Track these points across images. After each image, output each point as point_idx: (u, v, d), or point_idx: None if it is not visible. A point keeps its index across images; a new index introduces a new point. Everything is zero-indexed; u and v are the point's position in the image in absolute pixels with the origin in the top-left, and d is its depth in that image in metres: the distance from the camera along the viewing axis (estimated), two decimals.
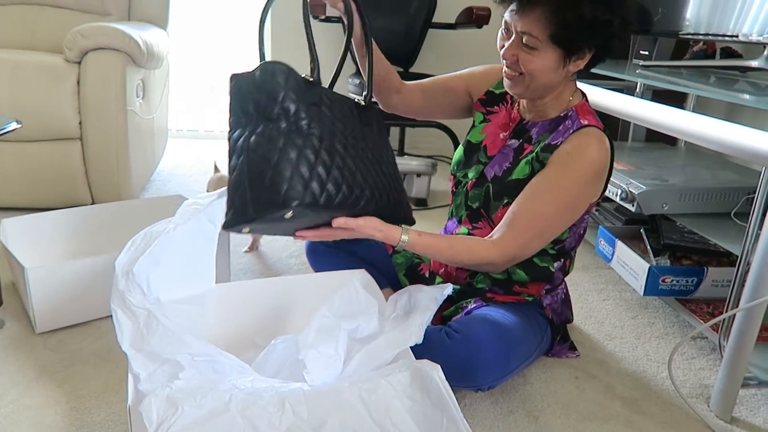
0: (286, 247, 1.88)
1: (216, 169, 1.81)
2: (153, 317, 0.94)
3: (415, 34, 2.95)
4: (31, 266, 1.26)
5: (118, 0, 2.42)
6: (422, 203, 2.38)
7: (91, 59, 1.89)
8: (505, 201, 1.15)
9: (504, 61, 1.11)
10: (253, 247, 1.85)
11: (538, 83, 1.08)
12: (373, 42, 1.12)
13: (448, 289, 1.11)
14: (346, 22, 1.07)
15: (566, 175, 1.08)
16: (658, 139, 2.23)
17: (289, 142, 0.90)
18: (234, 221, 0.91)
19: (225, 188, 0.98)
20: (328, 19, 2.80)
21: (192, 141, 3.22)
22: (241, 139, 0.92)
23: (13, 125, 1.28)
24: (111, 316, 0.93)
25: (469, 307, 1.22)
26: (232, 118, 0.96)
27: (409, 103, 1.30)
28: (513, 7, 1.04)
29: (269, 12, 1.02)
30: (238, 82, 0.96)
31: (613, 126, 2.44)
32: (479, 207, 1.21)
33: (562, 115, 1.15)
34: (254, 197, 0.88)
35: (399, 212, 1.07)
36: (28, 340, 1.30)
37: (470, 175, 1.24)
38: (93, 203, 2.03)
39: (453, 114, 1.35)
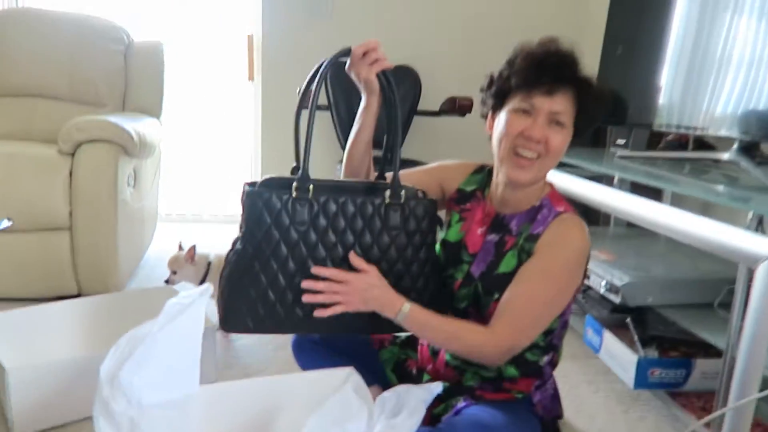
0: (272, 340, 1.86)
1: (179, 248, 1.85)
2: (136, 426, 0.92)
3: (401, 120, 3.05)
4: (12, 367, 1.24)
5: (113, 91, 2.51)
6: None
7: (84, 151, 1.94)
8: (496, 296, 1.17)
9: (517, 144, 1.12)
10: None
11: (552, 163, 1.15)
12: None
13: (437, 388, 1.09)
14: (382, 99, 1.17)
15: (555, 261, 1.11)
16: (638, 225, 2.29)
17: (265, 268, 1.04)
18: (223, 327, 1.00)
19: (207, 285, 1.07)
20: (317, 108, 2.90)
21: (180, 225, 3.24)
22: (231, 252, 0.95)
23: (5, 223, 1.29)
24: (92, 417, 0.91)
25: (459, 406, 1.20)
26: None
27: None
28: (546, 88, 1.09)
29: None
30: (247, 198, 1.07)
31: (595, 212, 2.50)
32: (467, 306, 1.21)
33: (537, 204, 1.19)
34: (227, 313, 0.98)
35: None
36: None
37: (456, 275, 1.25)
38: (79, 293, 2.01)
39: None
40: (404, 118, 3.04)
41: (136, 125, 2.12)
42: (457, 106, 2.71)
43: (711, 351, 1.53)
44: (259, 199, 1.06)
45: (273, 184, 1.09)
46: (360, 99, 1.19)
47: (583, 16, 3.11)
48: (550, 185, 1.23)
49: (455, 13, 3.15)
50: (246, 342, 1.83)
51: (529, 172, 1.13)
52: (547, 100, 1.09)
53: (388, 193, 1.13)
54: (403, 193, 1.14)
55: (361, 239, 1.11)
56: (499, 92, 1.15)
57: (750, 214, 1.45)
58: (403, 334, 1.46)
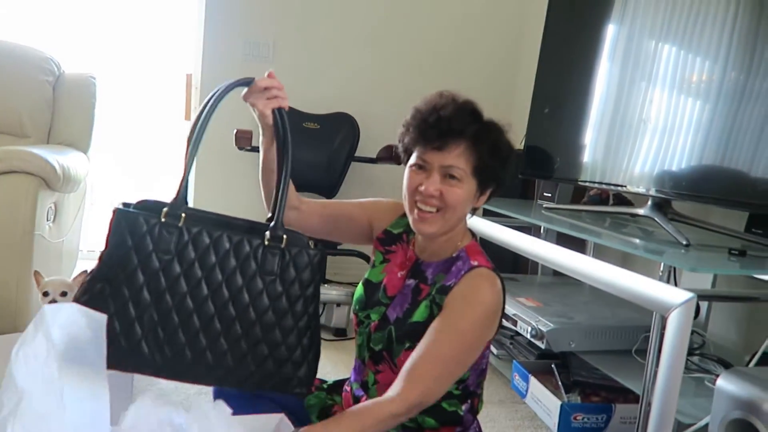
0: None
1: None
2: None
3: (338, 166, 3.08)
4: None
5: (38, 123, 2.40)
6: (341, 333, 2.36)
7: (1, 182, 1.83)
8: (407, 345, 1.16)
9: (416, 198, 1.14)
10: None
11: (457, 216, 1.14)
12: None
13: None
14: (275, 135, 1.12)
15: (463, 318, 1.11)
16: (565, 274, 2.38)
17: (115, 294, 0.97)
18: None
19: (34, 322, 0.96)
20: (254, 149, 2.89)
21: None
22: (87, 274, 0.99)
23: None
24: None
25: None
26: None
27: (307, 225, 1.29)
28: (436, 144, 1.10)
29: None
30: (114, 216, 1.00)
31: (524, 260, 2.58)
32: (382, 349, 1.21)
33: (454, 255, 1.19)
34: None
35: (278, 375, 1.06)
36: None
37: (373, 317, 1.25)
38: None
39: (353, 240, 1.38)
40: (342, 163, 3.08)
41: (60, 158, 2.03)
42: (393, 155, 2.77)
43: (630, 396, 1.58)
44: (123, 219, 0.99)
45: (148, 207, 1.01)
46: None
47: (516, 74, 3.29)
48: (471, 236, 1.25)
49: (394, 62, 3.26)
50: (169, 385, 1.74)
51: (432, 226, 1.14)
52: (437, 154, 1.10)
53: (268, 234, 1.05)
54: (285, 237, 1.06)
55: (230, 280, 1.02)
56: (404, 147, 1.17)
57: (662, 266, 1.54)
58: (329, 380, 1.43)
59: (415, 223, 1.17)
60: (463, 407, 1.23)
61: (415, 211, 1.15)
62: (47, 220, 2.00)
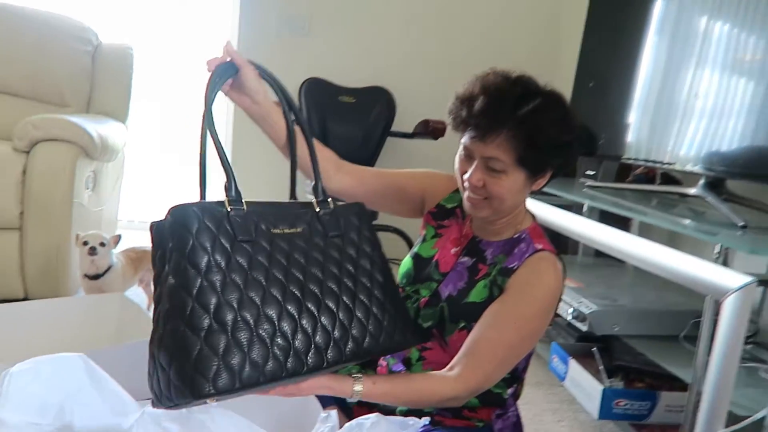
0: None
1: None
2: None
3: (373, 141, 3.03)
4: None
5: (77, 93, 2.42)
6: None
7: (40, 150, 1.85)
8: (462, 324, 1.12)
9: (465, 185, 1.10)
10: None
11: (506, 205, 1.08)
12: (297, 129, 1.05)
13: (417, 423, 1.04)
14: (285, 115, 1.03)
15: (528, 304, 1.06)
16: (606, 254, 2.30)
17: (194, 317, 0.76)
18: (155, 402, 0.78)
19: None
20: None
21: (142, 232, 3.12)
22: (159, 305, 0.80)
23: None
24: None
25: (418, 430, 1.15)
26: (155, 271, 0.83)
27: (351, 192, 1.22)
28: (473, 133, 1.04)
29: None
30: (157, 231, 0.82)
31: (563, 240, 2.51)
32: (431, 327, 1.17)
33: (516, 236, 1.14)
34: (185, 374, 0.75)
35: (387, 344, 0.96)
36: None
37: (423, 292, 1.21)
38: (25, 298, 1.90)
39: (400, 212, 1.31)
40: (377, 137, 3.03)
41: (99, 127, 2.04)
42: (430, 129, 2.71)
43: (676, 384, 1.52)
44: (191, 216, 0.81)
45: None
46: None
47: (559, 46, 3.17)
48: (532, 217, 1.19)
49: (431, 36, 3.17)
50: None
51: (482, 211, 1.09)
52: (478, 144, 1.04)
53: (314, 201, 0.97)
54: (330, 200, 0.98)
55: (311, 257, 0.90)
56: (459, 127, 1.11)
57: (717, 248, 1.46)
58: None
59: (466, 205, 1.12)
60: (509, 391, 1.19)
61: (465, 194, 1.10)
62: (86, 189, 2.02)
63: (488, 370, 1.04)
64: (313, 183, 1.03)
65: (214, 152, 0.89)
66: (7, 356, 1.46)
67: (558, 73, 3.25)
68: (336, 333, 0.88)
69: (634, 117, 1.98)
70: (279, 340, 0.80)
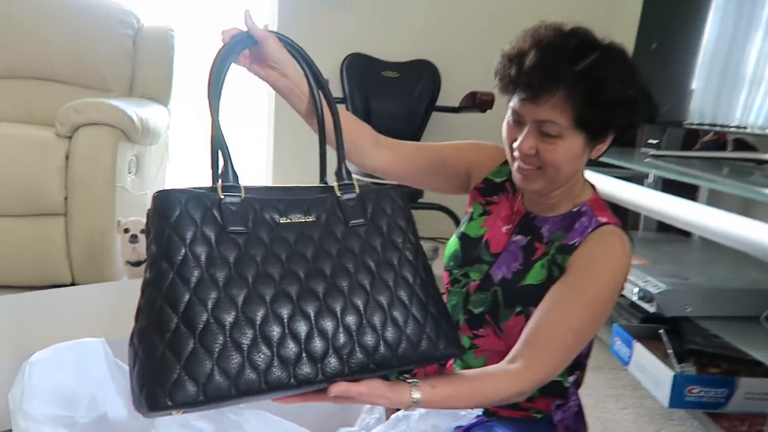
0: None
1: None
2: None
3: (418, 116, 2.93)
4: None
5: (119, 77, 2.41)
6: None
7: (82, 134, 1.84)
8: (518, 309, 1.02)
9: (515, 155, 0.99)
10: None
11: (562, 174, 0.97)
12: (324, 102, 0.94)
13: (473, 412, 0.96)
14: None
15: (595, 282, 0.95)
16: (669, 229, 2.14)
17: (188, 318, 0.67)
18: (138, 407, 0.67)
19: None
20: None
21: None
22: (145, 290, 0.70)
23: None
24: None
25: (471, 422, 1.07)
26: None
27: (391, 169, 1.13)
28: (523, 95, 0.92)
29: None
30: (154, 211, 0.72)
31: (621, 214, 2.35)
32: (484, 312, 1.07)
33: (575, 210, 1.03)
34: (142, 384, 0.66)
35: (408, 356, 0.79)
36: None
37: (472, 276, 1.11)
38: (73, 283, 1.91)
39: (444, 189, 1.21)
40: (422, 113, 2.93)
41: (139, 110, 2.02)
42: (478, 102, 2.58)
43: (758, 369, 1.38)
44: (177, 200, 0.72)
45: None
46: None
47: (615, 6, 2.96)
48: (592, 188, 1.07)
49: (476, 5, 3.02)
50: None
51: (534, 183, 0.98)
52: (529, 107, 0.92)
53: (336, 185, 0.84)
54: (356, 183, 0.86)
55: (324, 248, 0.78)
56: (506, 90, 0.98)
57: None
58: None
59: (515, 178, 1.01)
60: (570, 379, 1.09)
61: (515, 165, 0.99)
62: (129, 173, 2.01)
63: (555, 359, 0.93)
64: (337, 164, 0.89)
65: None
66: (54, 341, 1.46)
67: (616, 34, 3.04)
68: (340, 339, 0.74)
69: (701, 80, 1.81)
70: (262, 347, 0.69)
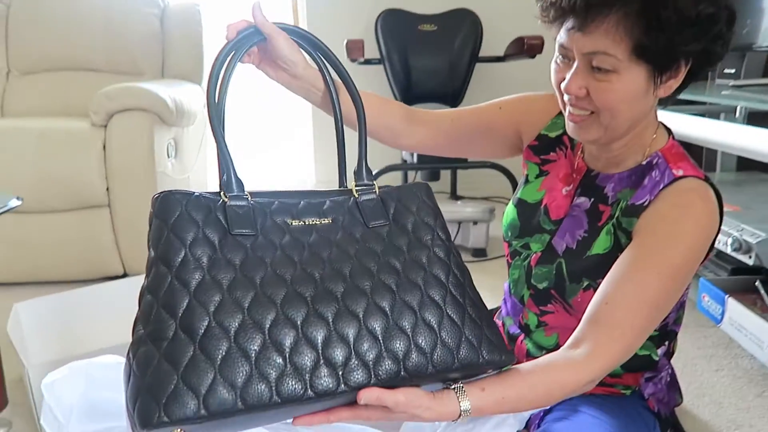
0: None
1: None
2: None
3: (461, 70, 2.77)
4: (34, 364, 1.10)
5: (150, 59, 2.35)
6: (481, 253, 2.14)
7: (116, 122, 1.79)
8: (586, 284, 0.88)
9: (565, 99, 0.84)
10: None
11: (622, 119, 0.81)
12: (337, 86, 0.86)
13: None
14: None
15: (673, 249, 0.79)
16: (751, 167, 1.93)
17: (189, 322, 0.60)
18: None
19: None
20: (367, 62, 2.66)
21: None
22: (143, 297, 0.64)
23: (15, 202, 1.14)
24: None
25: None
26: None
27: (430, 144, 1.04)
28: (571, 23, 0.77)
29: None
30: (153, 213, 0.67)
31: (694, 154, 2.15)
32: (549, 288, 0.95)
33: (644, 162, 0.86)
34: (135, 398, 0.58)
35: (463, 362, 0.70)
36: None
37: (533, 247, 0.97)
38: (125, 273, 1.89)
39: (495, 154, 1.08)
40: (465, 65, 2.76)
41: (172, 91, 1.95)
42: (525, 48, 2.40)
43: None
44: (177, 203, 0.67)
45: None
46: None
47: None
48: (667, 132, 0.90)
49: None
50: None
51: (589, 132, 0.83)
52: (577, 37, 0.77)
53: (354, 185, 0.77)
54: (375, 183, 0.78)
55: (342, 251, 0.71)
56: (551, 20, 0.82)
57: None
58: None
59: (568, 127, 0.86)
60: (659, 351, 0.96)
61: (567, 111, 0.84)
62: (168, 157, 1.95)
63: (629, 338, 0.78)
64: (357, 163, 0.80)
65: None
66: (99, 336, 1.43)
67: None
68: (364, 344, 0.65)
69: None
70: (272, 354, 0.62)
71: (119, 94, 1.79)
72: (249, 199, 0.69)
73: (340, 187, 0.79)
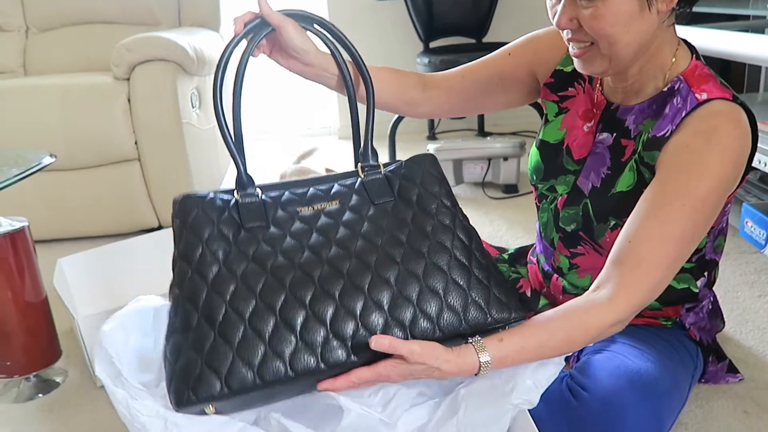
0: None
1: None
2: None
3: (484, 1, 2.65)
4: (82, 316, 1.14)
5: (166, 7, 2.30)
6: (512, 189, 2.11)
7: (138, 74, 1.77)
8: (612, 223, 0.86)
9: (564, 35, 0.80)
10: None
11: (623, 44, 0.76)
12: (349, 67, 0.85)
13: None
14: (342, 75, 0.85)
15: (699, 180, 0.75)
16: None
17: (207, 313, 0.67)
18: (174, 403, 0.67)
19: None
20: None
21: (263, 143, 3.09)
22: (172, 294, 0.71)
23: (48, 159, 1.15)
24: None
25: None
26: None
27: (444, 108, 1.02)
28: None
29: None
30: (173, 216, 0.75)
31: (737, 73, 2.04)
32: (577, 230, 0.92)
33: (665, 89, 0.82)
34: (170, 382, 0.67)
35: (471, 323, 0.72)
36: (90, 394, 1.18)
37: (559, 189, 0.94)
38: (159, 225, 1.92)
39: (515, 103, 1.04)
40: None
41: (192, 39, 1.92)
42: None
43: None
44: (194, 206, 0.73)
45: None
46: None
47: None
48: (691, 51, 0.84)
49: None
50: None
51: (594, 64, 0.79)
52: None
53: (359, 167, 0.80)
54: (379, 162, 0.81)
55: (352, 230, 0.75)
56: None
57: None
58: (510, 249, 1.21)
59: (575, 63, 0.83)
60: (698, 282, 0.93)
61: (570, 47, 0.81)
62: (192, 107, 1.94)
63: (656, 275, 0.75)
64: (362, 145, 0.82)
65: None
66: (143, 286, 1.46)
67: None
68: (371, 317, 0.69)
69: None
70: (284, 333, 0.67)
71: (139, 45, 1.76)
72: (260, 194, 0.75)
73: (356, 163, 0.82)
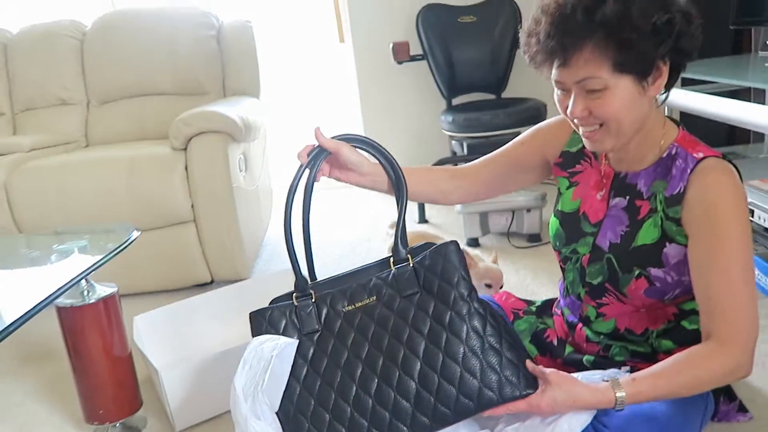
0: None
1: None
2: None
3: (503, 58, 2.84)
4: (164, 367, 1.29)
5: (212, 78, 2.53)
6: (535, 239, 2.25)
7: (195, 145, 1.97)
8: (637, 272, 1.01)
9: (575, 122, 0.97)
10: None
11: (627, 123, 0.93)
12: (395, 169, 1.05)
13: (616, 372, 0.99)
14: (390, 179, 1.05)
15: (727, 225, 0.92)
16: None
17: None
18: None
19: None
20: (412, 59, 2.77)
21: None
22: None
23: (135, 234, 1.34)
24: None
25: None
26: None
27: (472, 195, 1.22)
28: (557, 63, 0.91)
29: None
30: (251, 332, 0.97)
31: (740, 136, 2.17)
32: (603, 282, 1.08)
33: (664, 155, 0.99)
34: None
35: (467, 408, 0.89)
36: None
37: (581, 250, 1.10)
38: (212, 280, 2.10)
39: (534, 182, 1.24)
40: (506, 54, 2.83)
41: (239, 110, 2.13)
42: None
43: None
44: (261, 318, 0.96)
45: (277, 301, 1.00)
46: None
47: None
48: (677, 125, 1.02)
49: None
50: None
51: (604, 143, 0.96)
52: (564, 71, 0.90)
53: (392, 261, 0.97)
54: (408, 254, 0.97)
55: (384, 324, 0.93)
56: (542, 64, 0.97)
57: None
58: (537, 301, 1.35)
59: (586, 144, 1.00)
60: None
61: (580, 131, 0.98)
62: (240, 171, 2.14)
63: (742, 312, 0.91)
64: (393, 242, 1.01)
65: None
66: (208, 338, 1.63)
67: None
68: (400, 412, 0.88)
69: None
70: (337, 427, 0.87)
71: (195, 120, 1.97)
72: (313, 296, 0.94)
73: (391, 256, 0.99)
